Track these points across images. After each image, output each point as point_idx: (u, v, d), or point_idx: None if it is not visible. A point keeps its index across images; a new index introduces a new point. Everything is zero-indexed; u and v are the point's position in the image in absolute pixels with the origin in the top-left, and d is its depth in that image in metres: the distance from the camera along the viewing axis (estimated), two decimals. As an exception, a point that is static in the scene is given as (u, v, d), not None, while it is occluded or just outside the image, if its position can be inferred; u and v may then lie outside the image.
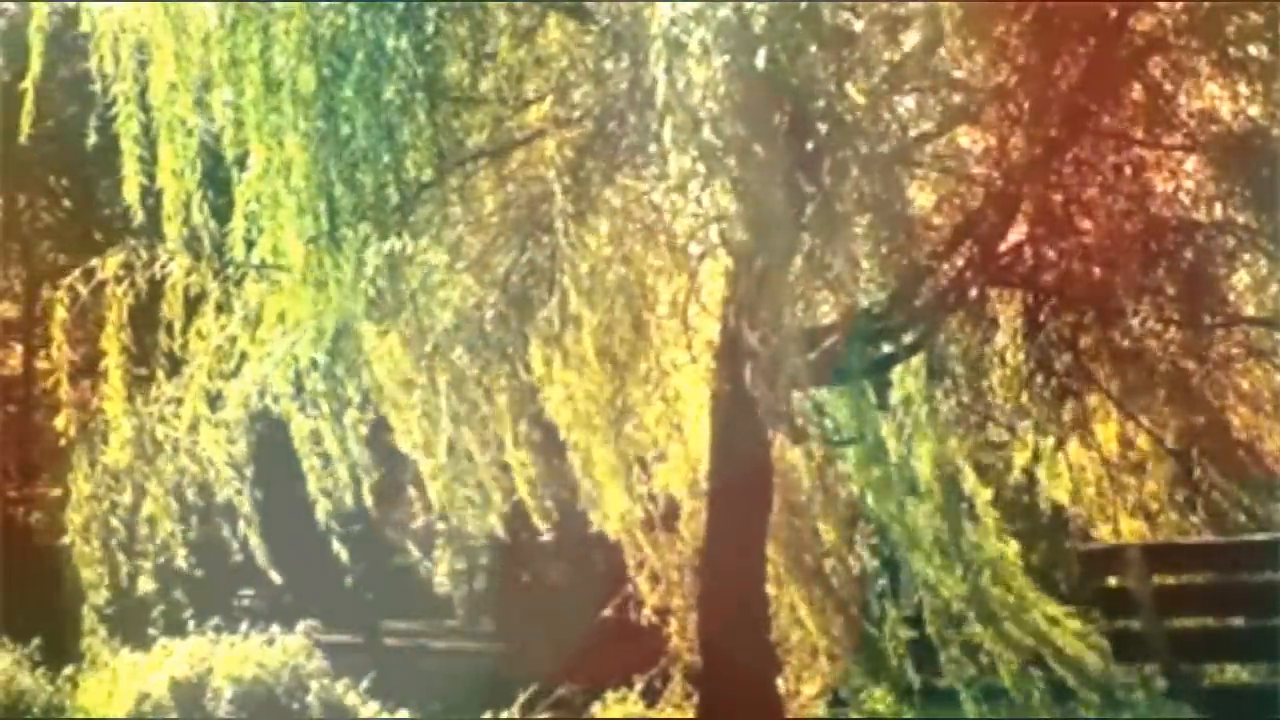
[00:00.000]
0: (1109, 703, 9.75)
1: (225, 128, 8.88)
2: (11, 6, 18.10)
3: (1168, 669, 7.25)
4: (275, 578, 11.14)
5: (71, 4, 10.43)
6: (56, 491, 11.25)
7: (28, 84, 9.57)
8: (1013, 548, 11.15)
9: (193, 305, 9.88)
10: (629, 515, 11.75)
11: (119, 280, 9.80)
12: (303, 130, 8.34)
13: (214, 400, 10.02)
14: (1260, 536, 8.93)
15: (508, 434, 11.22)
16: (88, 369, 11.07)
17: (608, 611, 13.59)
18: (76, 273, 9.86)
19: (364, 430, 10.66)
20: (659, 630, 12.48)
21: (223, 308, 9.87)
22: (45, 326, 10.32)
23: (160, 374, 9.97)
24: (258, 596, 18.53)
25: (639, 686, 13.98)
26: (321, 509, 10.75)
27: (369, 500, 11.07)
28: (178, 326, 9.86)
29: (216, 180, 9.12)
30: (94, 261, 9.80)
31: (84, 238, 18.57)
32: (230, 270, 9.60)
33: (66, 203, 21.42)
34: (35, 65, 9.64)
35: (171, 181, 9.01)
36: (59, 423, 10.03)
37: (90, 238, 17.76)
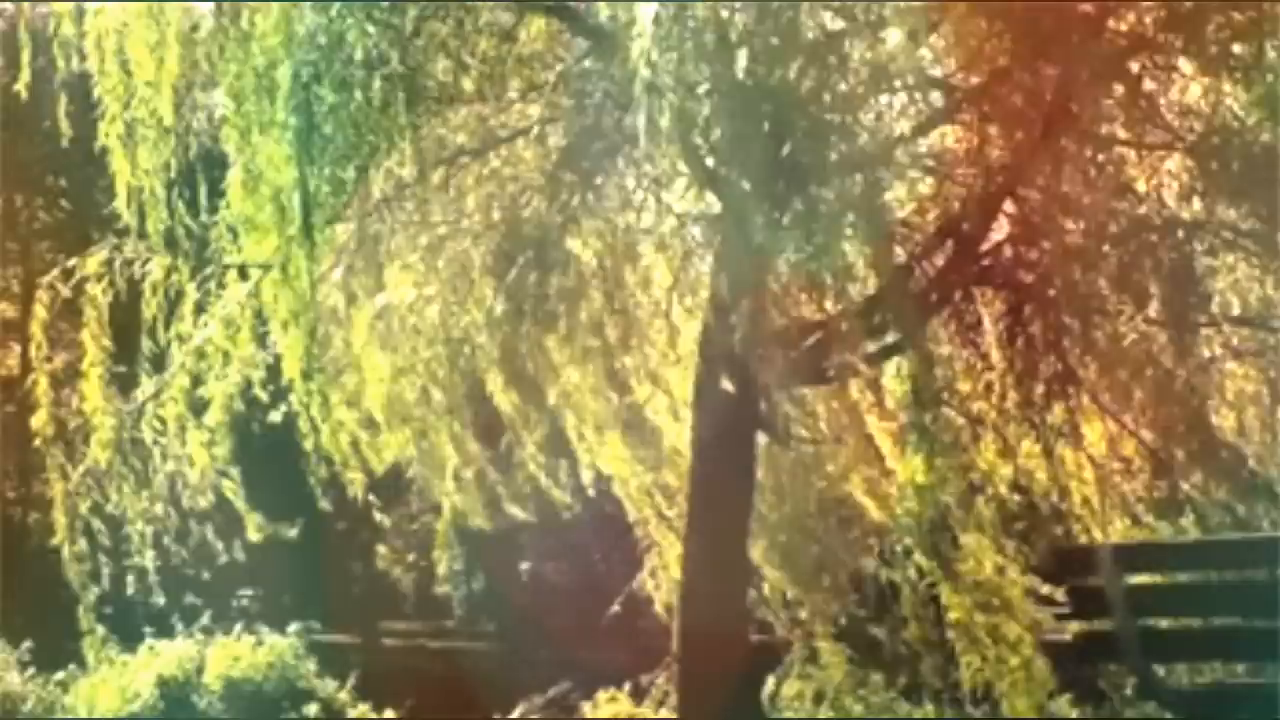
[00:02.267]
0: (1086, 703, 9.74)
1: (205, 126, 8.89)
2: (10, 7, 18.07)
3: (1140, 670, 7.22)
4: (269, 579, 11.11)
5: (67, 4, 10.44)
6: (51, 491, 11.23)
7: (20, 86, 9.58)
8: (1002, 548, 11.13)
9: (173, 304, 9.88)
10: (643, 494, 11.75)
11: (99, 279, 9.80)
12: (283, 128, 8.31)
13: (196, 401, 10.01)
14: (1237, 536, 8.90)
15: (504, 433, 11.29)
16: (74, 369, 11.06)
17: (615, 609, 13.60)
18: (56, 271, 9.87)
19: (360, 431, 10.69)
20: (659, 629, 12.45)
21: (203, 307, 9.87)
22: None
23: (142, 374, 9.95)
24: (254, 597, 18.53)
25: (629, 686, 13.96)
26: (317, 509, 10.77)
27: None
28: (159, 326, 9.84)
29: (196, 179, 9.12)
30: (73, 261, 9.81)
31: (82, 238, 18.54)
32: (210, 269, 9.61)
33: (64, 203, 21.46)
34: (26, 67, 9.65)
35: (149, 179, 9.01)
36: (34, 422, 10.02)
37: (88, 238, 17.73)
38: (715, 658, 9.47)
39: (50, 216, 21.81)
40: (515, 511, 11.97)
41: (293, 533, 15.54)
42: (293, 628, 13.86)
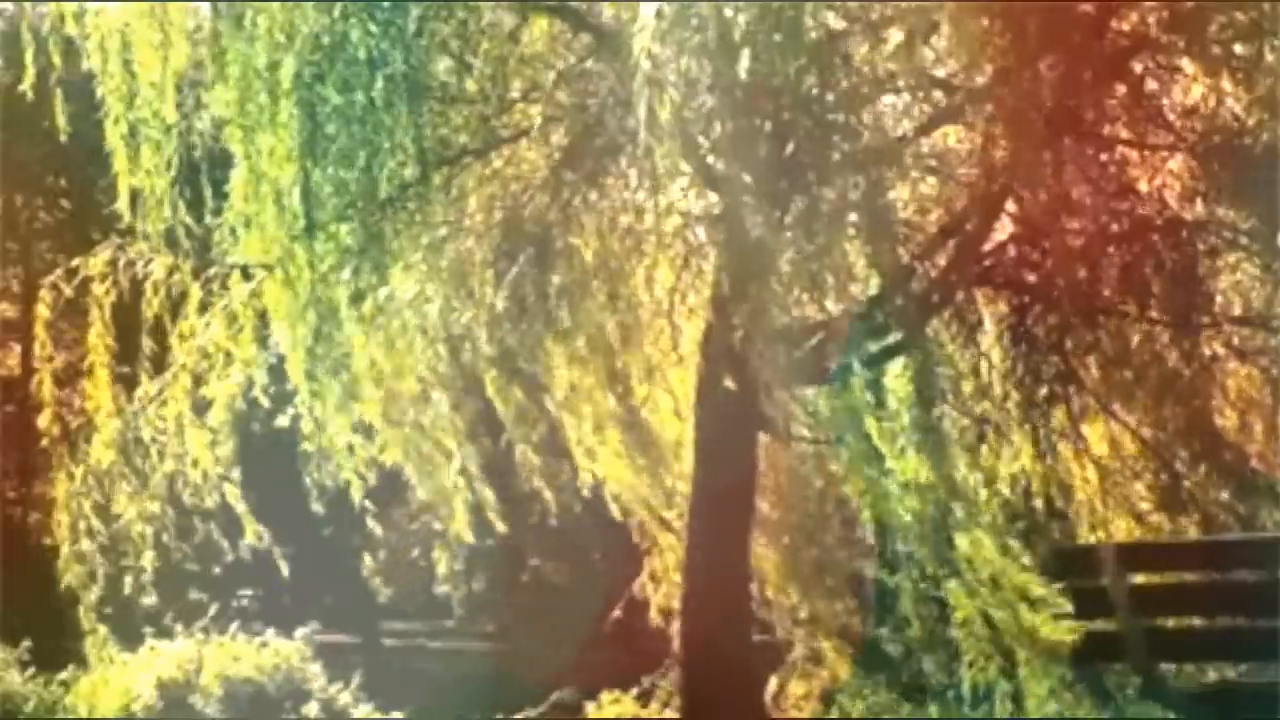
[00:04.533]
0: (1089, 703, 9.74)
1: (208, 126, 8.89)
2: (10, 7, 18.07)
3: (1145, 669, 7.24)
4: (270, 579, 11.08)
5: (69, 4, 10.42)
6: (54, 492, 11.24)
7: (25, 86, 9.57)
8: (1004, 548, 11.12)
9: (176, 304, 9.88)
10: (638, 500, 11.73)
11: (103, 279, 9.80)
12: (286, 128, 8.32)
13: (199, 400, 10.01)
14: (1239, 536, 8.92)
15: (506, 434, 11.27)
16: (76, 369, 11.06)
17: (617, 613, 13.58)
18: (60, 271, 9.86)
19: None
20: (659, 631, 12.44)
21: (206, 307, 9.87)
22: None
23: (144, 374, 9.95)
24: (254, 597, 18.51)
25: (636, 688, 13.95)
26: (318, 509, 10.75)
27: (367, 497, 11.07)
28: (162, 325, 9.84)
29: (200, 179, 9.12)
30: (76, 260, 9.80)
31: (82, 238, 18.54)
32: (213, 269, 9.60)
33: (65, 203, 21.46)
34: (29, 66, 9.63)
35: (151, 179, 9.01)
36: (41, 422, 10.01)
37: (88, 238, 17.73)
38: (718, 658, 9.48)
39: (50, 216, 21.81)
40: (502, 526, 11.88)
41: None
42: (299, 632, 13.80)
